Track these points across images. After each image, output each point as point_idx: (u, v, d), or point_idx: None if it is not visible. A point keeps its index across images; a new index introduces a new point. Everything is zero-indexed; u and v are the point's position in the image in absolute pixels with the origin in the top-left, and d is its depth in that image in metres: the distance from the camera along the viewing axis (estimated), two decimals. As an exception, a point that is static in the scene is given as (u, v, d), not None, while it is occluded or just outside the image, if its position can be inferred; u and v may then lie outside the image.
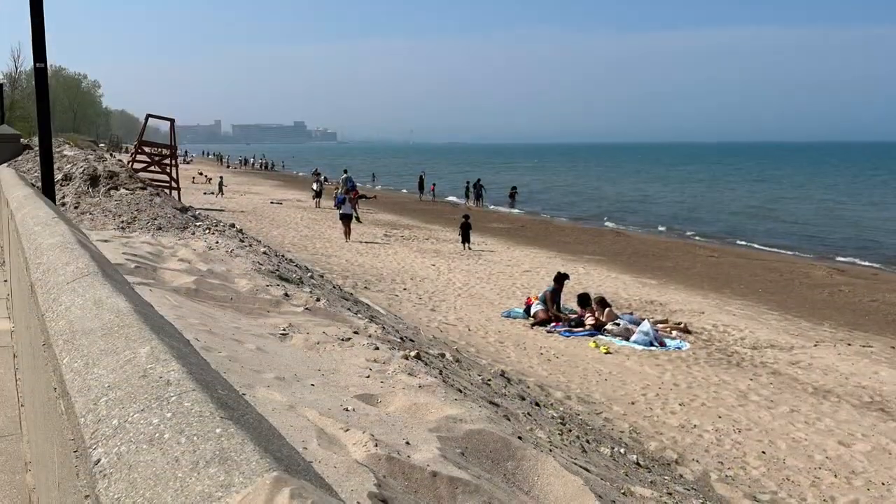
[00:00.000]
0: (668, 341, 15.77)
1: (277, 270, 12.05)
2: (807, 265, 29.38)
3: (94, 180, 17.26)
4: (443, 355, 9.52)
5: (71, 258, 3.37)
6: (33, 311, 3.19)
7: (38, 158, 15.07)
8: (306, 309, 9.14)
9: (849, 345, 16.42)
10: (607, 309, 16.82)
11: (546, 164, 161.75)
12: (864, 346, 16.33)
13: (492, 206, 54.70)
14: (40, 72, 11.87)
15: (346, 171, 45.51)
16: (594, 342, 15.68)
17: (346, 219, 30.04)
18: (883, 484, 9.48)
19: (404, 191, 71.25)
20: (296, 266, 15.24)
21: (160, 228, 14.50)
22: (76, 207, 15.86)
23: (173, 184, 36.46)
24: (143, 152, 40.11)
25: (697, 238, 39.33)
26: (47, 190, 12.02)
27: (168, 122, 40.49)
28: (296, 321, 8.21)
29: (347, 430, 4.54)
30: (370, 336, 8.14)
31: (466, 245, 28.53)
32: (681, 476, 8.97)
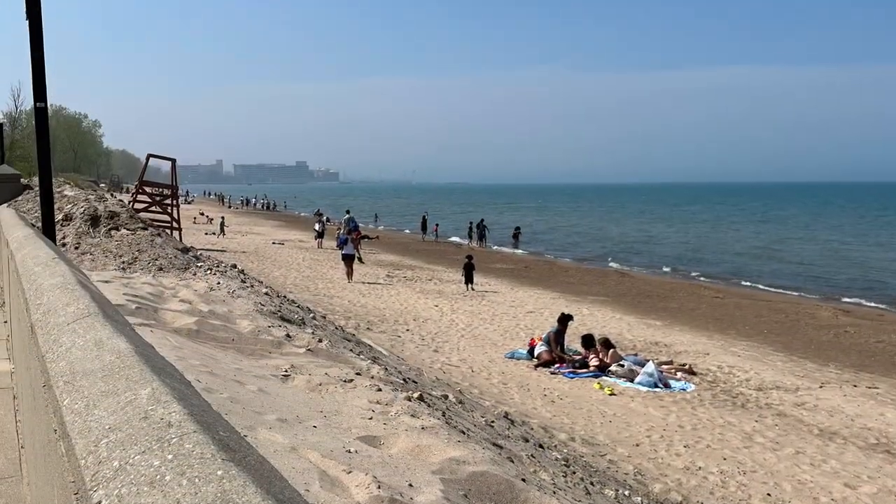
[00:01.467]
0: (672, 382, 15.69)
1: (279, 311, 12.02)
2: (812, 306, 29.31)
3: (94, 220, 17.29)
4: (446, 397, 9.46)
5: (71, 299, 3.35)
6: (33, 352, 3.17)
7: (38, 198, 15.10)
8: (308, 350, 9.11)
9: (854, 386, 16.33)
10: (611, 350, 16.75)
11: (549, 205, 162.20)
12: (870, 388, 16.24)
13: (495, 247, 54.76)
14: (40, 111, 11.88)
15: (348, 212, 45.66)
16: (598, 383, 15.59)
17: (348, 259, 30.06)
18: (891, 527, 9.37)
19: (407, 231, 71.36)
20: (298, 307, 15.22)
21: (161, 269, 14.50)
22: (77, 248, 15.87)
23: (174, 224, 36.55)
24: (144, 192, 40.28)
25: (702, 279, 39.29)
26: (48, 230, 12.02)
27: (169, 162, 40.68)
28: (298, 362, 8.17)
29: (350, 472, 4.50)
30: (373, 377, 8.09)
31: (469, 286, 28.50)
32: (687, 519, 8.87)
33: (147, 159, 43.10)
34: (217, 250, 35.98)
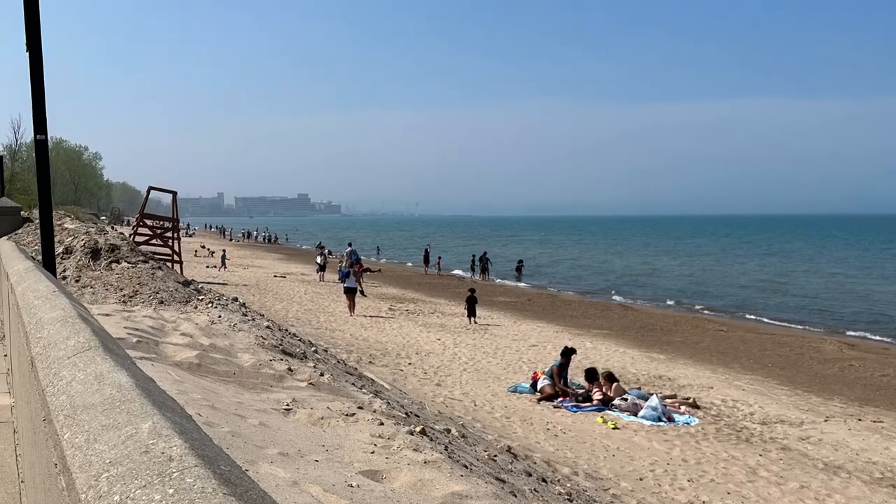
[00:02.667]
0: (676, 416, 15.60)
1: (281, 345, 12.00)
2: (817, 339, 29.22)
3: (95, 253, 17.30)
4: (448, 430, 9.41)
5: (72, 332, 3.34)
6: (34, 386, 3.15)
7: (38, 231, 15.09)
8: (310, 384, 9.08)
9: (859, 420, 16.24)
10: (615, 384, 16.69)
11: (552, 237, 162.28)
12: (874, 422, 16.15)
13: (498, 280, 54.75)
14: (41, 143, 11.87)
15: (350, 245, 45.73)
16: (602, 417, 15.51)
17: (350, 292, 30.03)
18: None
19: (409, 264, 71.35)
20: (299, 340, 15.19)
21: (162, 302, 14.49)
22: (77, 281, 15.88)
23: (175, 257, 36.54)
24: (145, 225, 40.30)
25: (706, 312, 39.20)
26: (48, 263, 12.00)
27: (170, 195, 40.76)
28: (299, 396, 8.14)
29: (352, 507, 4.46)
30: (375, 411, 8.06)
31: (472, 319, 28.45)
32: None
33: (148, 192, 43.16)
34: (218, 283, 35.98)
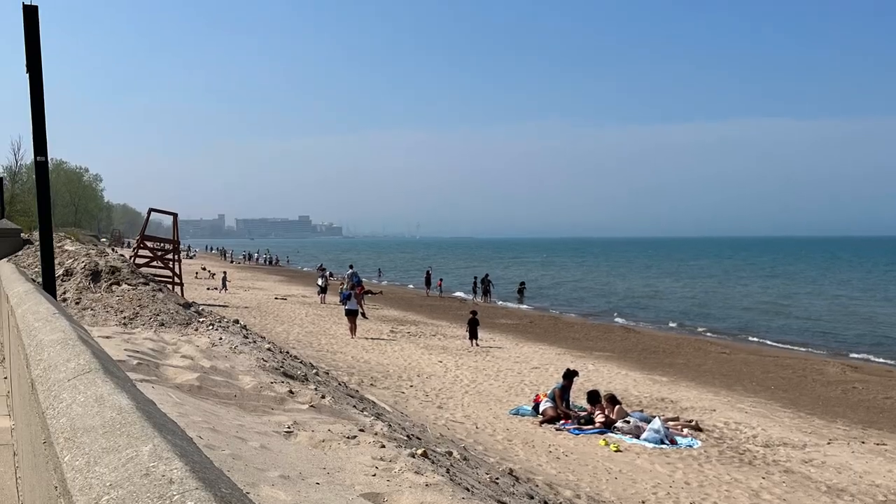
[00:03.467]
0: (678, 439, 15.55)
1: (282, 367, 11.97)
2: (820, 362, 29.13)
3: (95, 275, 17.30)
4: (450, 453, 9.37)
5: (72, 355, 3.33)
6: (34, 409, 3.14)
7: (38, 253, 15.09)
8: (311, 406, 9.05)
9: (863, 443, 16.17)
10: (617, 406, 16.63)
11: (555, 259, 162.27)
12: (878, 444, 16.08)
13: (500, 302, 54.71)
14: (41, 165, 11.87)
15: (351, 267, 45.69)
16: (604, 440, 15.45)
17: (351, 315, 29.97)
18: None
19: (411, 286, 71.33)
20: (300, 363, 15.16)
21: (163, 324, 14.47)
22: (77, 303, 15.87)
23: (176, 279, 36.50)
24: (146, 247, 40.28)
25: (709, 334, 39.12)
26: (48, 285, 12.00)
27: (171, 217, 40.76)
28: (300, 419, 8.11)
29: (353, 531, 4.43)
30: (376, 434, 8.03)
31: (474, 341, 28.39)
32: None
33: (148, 214, 43.19)
34: (219, 305, 35.96)
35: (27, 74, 11.57)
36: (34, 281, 12.11)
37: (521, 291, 57.08)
